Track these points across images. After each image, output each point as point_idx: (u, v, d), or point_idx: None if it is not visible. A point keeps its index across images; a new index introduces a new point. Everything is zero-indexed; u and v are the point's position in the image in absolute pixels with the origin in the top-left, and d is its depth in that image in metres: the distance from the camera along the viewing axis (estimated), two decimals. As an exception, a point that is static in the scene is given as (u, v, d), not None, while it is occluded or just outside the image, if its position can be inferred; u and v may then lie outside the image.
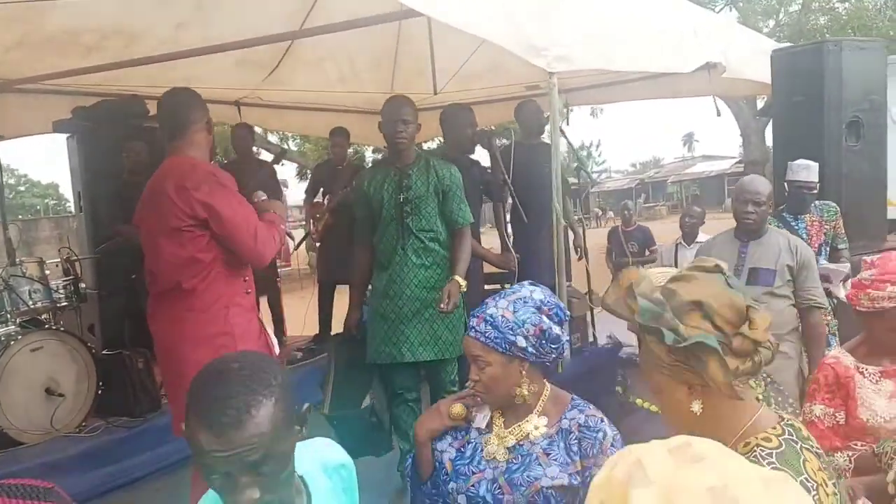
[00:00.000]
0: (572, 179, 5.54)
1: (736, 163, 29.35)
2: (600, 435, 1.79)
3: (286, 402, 1.25)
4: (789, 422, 1.32)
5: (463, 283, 3.50)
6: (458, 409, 1.86)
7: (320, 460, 1.51)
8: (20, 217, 31.40)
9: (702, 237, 6.00)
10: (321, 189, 6.35)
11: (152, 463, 4.03)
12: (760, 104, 12.94)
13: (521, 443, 1.84)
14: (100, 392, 4.15)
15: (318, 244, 6.24)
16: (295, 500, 1.36)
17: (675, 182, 46.00)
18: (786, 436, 1.28)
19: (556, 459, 1.79)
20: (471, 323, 1.81)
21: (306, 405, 1.36)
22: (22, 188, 44.53)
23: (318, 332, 6.22)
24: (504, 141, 4.84)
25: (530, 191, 4.37)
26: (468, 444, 1.89)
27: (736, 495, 0.79)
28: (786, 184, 4.11)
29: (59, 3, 4.39)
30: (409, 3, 2.52)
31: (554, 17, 3.17)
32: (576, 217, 5.25)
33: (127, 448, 4.03)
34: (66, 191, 46.38)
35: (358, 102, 7.50)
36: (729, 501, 0.78)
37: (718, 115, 5.20)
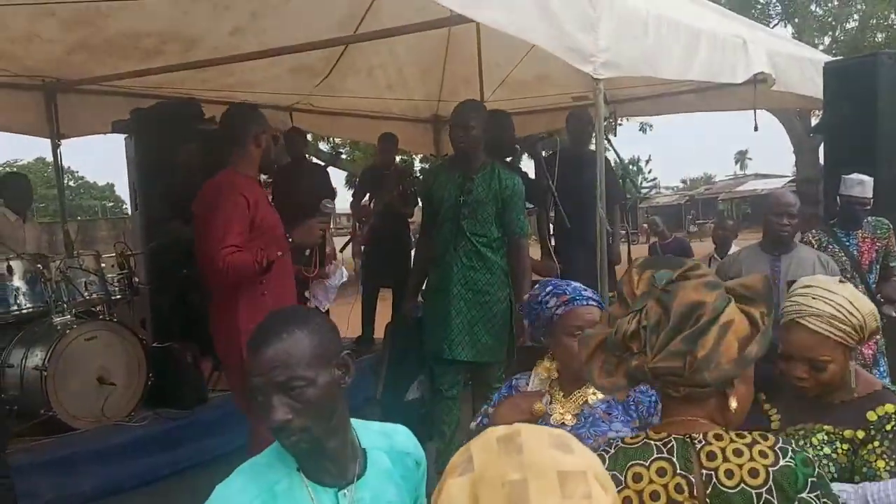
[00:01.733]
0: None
1: (789, 181, 28.77)
2: (654, 398, 1.98)
3: (321, 339, 1.41)
4: None
5: None
6: (540, 405, 2.01)
7: (390, 443, 1.59)
8: (79, 218, 32.44)
9: (734, 250, 5.92)
10: (367, 193, 6.44)
11: (199, 454, 4.11)
12: (815, 121, 12.69)
13: (582, 408, 2.03)
14: (149, 383, 4.27)
15: (363, 247, 6.32)
16: (348, 463, 1.48)
17: (725, 200, 45.21)
18: None
19: (617, 417, 2.00)
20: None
21: (346, 352, 1.48)
22: (81, 190, 45.91)
23: (360, 334, 6.30)
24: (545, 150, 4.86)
25: (574, 199, 4.37)
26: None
27: (527, 491, 0.84)
28: (838, 198, 4.04)
29: (120, 8, 4.56)
30: (457, 8, 2.57)
31: (602, 25, 3.18)
32: (622, 230, 5.23)
33: (174, 438, 4.13)
34: (123, 192, 47.94)
35: (406, 110, 7.61)
36: (518, 497, 0.84)
37: (756, 129, 5.14)
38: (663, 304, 1.21)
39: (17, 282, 4.02)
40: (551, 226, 4.68)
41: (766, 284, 1.27)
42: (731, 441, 1.22)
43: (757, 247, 3.66)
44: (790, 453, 1.22)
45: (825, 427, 1.83)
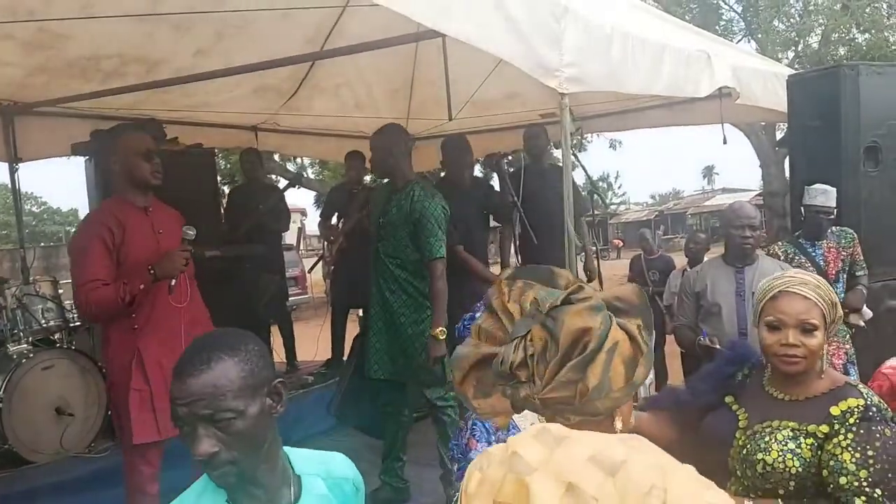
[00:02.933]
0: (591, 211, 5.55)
1: (756, 195, 29.25)
2: None
3: (252, 367, 1.35)
4: None
5: (441, 336, 3.62)
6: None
7: (326, 469, 1.54)
8: (41, 244, 31.86)
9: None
10: (336, 213, 6.37)
11: (161, 485, 3.98)
12: (780, 134, 12.89)
13: None
14: (109, 413, 4.14)
15: (331, 267, 6.24)
16: (281, 489, 1.43)
17: (694, 214, 45.80)
18: None
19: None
20: None
21: (279, 380, 1.42)
22: (44, 216, 45.17)
23: (330, 356, 6.20)
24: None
25: (540, 214, 4.38)
26: None
27: (611, 456, 0.83)
28: (802, 208, 4.06)
29: (81, 30, 4.48)
30: (427, 22, 2.54)
31: (566, 40, 3.17)
32: (591, 245, 5.24)
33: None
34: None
35: (374, 128, 7.52)
36: (610, 464, 0.82)
37: (725, 142, 5.20)
38: (549, 331, 1.15)
39: (-30, 310, 3.89)
40: (516, 242, 4.69)
41: (641, 295, 1.25)
42: None
43: (720, 260, 3.66)
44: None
45: (790, 423, 1.89)
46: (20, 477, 3.77)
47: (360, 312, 6.11)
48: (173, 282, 3.00)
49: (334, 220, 6.35)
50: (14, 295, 4.06)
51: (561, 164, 3.60)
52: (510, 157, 4.64)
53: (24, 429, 3.83)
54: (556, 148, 4.83)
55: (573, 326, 1.14)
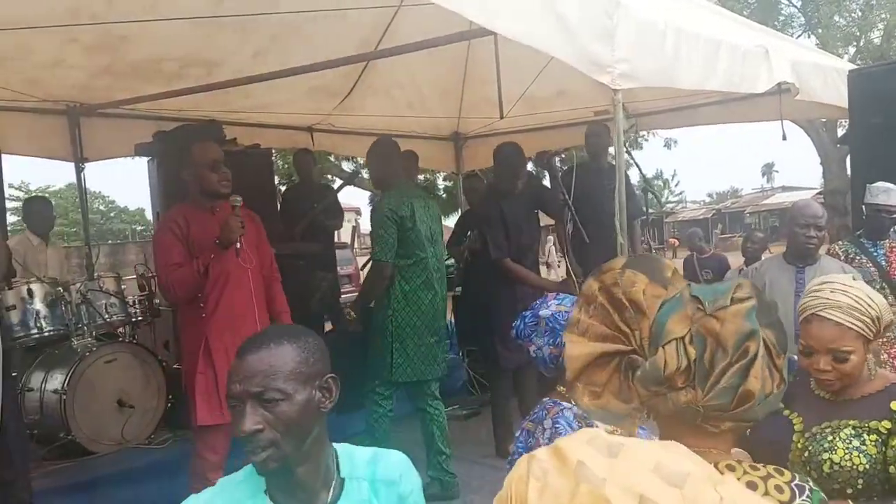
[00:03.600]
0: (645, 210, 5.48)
1: (816, 193, 28.42)
2: None
3: (308, 357, 1.39)
4: None
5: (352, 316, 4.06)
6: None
7: (374, 471, 1.52)
8: (109, 241, 32.93)
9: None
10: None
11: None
12: (841, 131, 12.50)
13: None
14: (169, 405, 4.26)
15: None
16: (318, 491, 1.43)
17: (752, 213, 44.71)
18: None
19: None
20: None
21: (331, 375, 1.44)
22: (112, 214, 46.60)
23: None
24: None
25: (594, 213, 4.33)
26: None
27: (672, 467, 0.81)
28: (864, 207, 3.93)
29: (143, 33, 4.61)
30: (475, 19, 2.55)
31: (619, 35, 3.13)
32: (644, 245, 5.17)
33: (193, 460, 4.10)
34: (153, 217, 48.62)
35: (426, 128, 7.62)
36: (675, 476, 0.80)
37: (784, 138, 5.05)
38: (714, 333, 1.07)
39: (38, 305, 4.04)
40: (567, 241, 4.66)
41: (758, 290, 1.16)
42: (745, 472, 1.12)
43: (781, 258, 3.57)
44: (807, 492, 1.11)
45: (850, 422, 1.85)
46: (82, 467, 3.91)
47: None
48: (238, 245, 3.20)
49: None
50: (79, 290, 4.20)
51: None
52: (563, 156, 4.60)
53: (87, 420, 3.97)
54: (611, 145, 4.76)
55: (741, 329, 1.07)
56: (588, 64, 3.06)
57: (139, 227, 46.66)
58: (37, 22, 4.16)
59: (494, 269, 4.29)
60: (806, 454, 1.87)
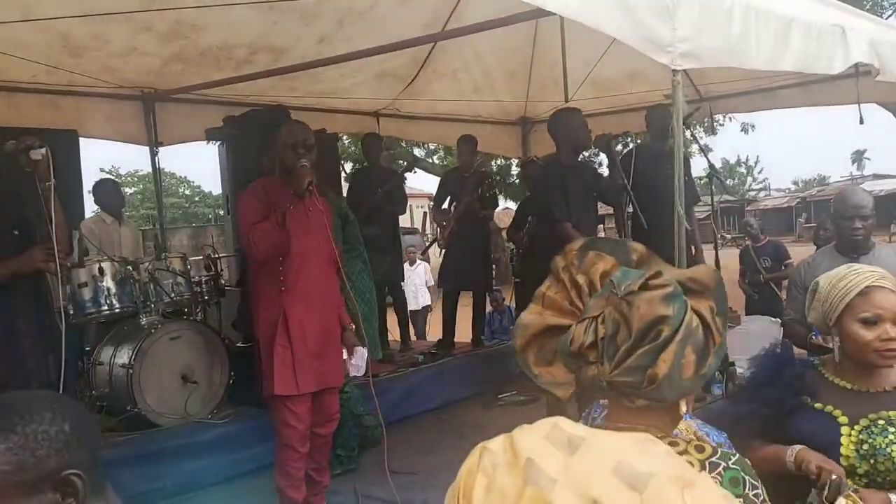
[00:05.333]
0: (727, 196, 5.30)
1: (912, 181, 26.94)
2: None
3: (27, 457, 1.08)
4: None
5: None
6: None
7: None
8: (192, 224, 34.14)
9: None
10: (448, 197, 6.41)
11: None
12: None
13: None
14: (231, 382, 4.38)
15: (442, 251, 6.31)
16: None
17: (840, 201, 42.67)
18: None
19: None
20: None
21: (73, 471, 1.12)
22: (196, 199, 48.24)
23: (441, 337, 6.28)
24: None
25: (653, 198, 4.20)
26: None
27: (636, 468, 0.79)
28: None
29: (213, 21, 4.73)
30: (532, -1, 2.49)
31: (680, 13, 3.02)
32: (728, 236, 5.01)
33: (254, 436, 4.21)
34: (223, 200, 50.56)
35: (493, 112, 7.56)
36: (636, 478, 0.79)
37: (861, 122, 4.77)
38: (624, 316, 1.12)
39: (108, 282, 4.21)
40: (626, 226, 4.52)
41: (715, 277, 1.20)
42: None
43: (833, 250, 3.39)
44: (720, 469, 1.18)
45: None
46: (147, 440, 4.05)
47: (473, 298, 6.18)
48: (310, 188, 3.25)
49: (446, 204, 6.39)
50: (147, 270, 4.36)
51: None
52: (621, 139, 4.47)
53: (152, 394, 4.12)
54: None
55: (649, 314, 1.11)
56: (647, 43, 2.96)
57: (221, 212, 48.18)
58: (112, 10, 4.30)
59: (553, 252, 4.15)
60: (864, 447, 1.86)
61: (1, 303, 2.77)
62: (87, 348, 4.38)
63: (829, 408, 1.95)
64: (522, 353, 1.23)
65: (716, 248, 4.17)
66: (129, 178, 39.55)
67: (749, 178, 59.74)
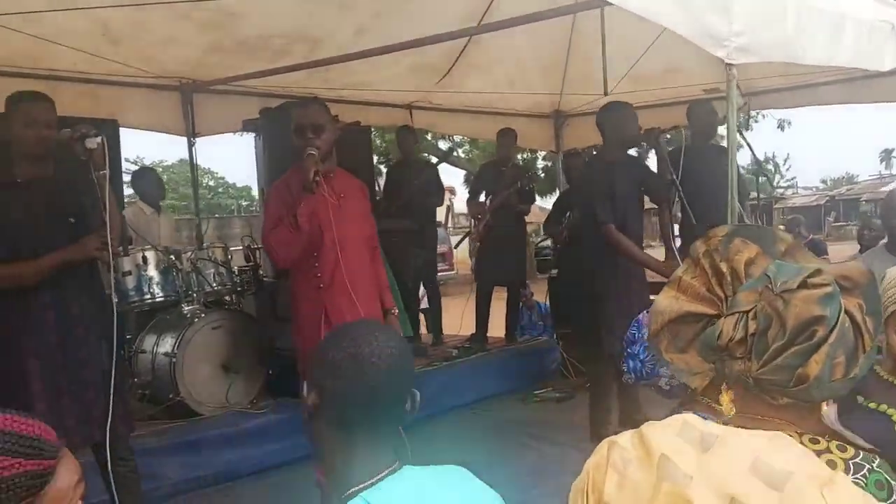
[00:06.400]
0: (754, 194, 5.23)
1: (944, 181, 26.51)
2: None
3: None
4: None
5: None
6: None
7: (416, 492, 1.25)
8: (216, 215, 34.38)
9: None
10: (484, 190, 6.39)
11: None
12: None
13: None
14: (270, 372, 4.40)
15: (478, 244, 6.28)
16: None
17: (869, 201, 42.14)
18: None
19: None
20: None
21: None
22: (220, 190, 48.55)
23: (474, 331, 6.26)
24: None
25: (699, 195, 4.15)
26: None
27: (773, 466, 0.77)
28: None
29: (251, 10, 4.72)
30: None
31: (736, 7, 2.97)
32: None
33: (293, 427, 4.22)
34: (258, 193, 50.89)
35: (527, 105, 7.50)
36: (774, 476, 0.77)
37: None
38: (778, 313, 1.08)
39: (152, 272, 4.24)
40: (675, 225, 4.45)
41: (868, 276, 1.15)
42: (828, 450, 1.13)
43: (883, 249, 3.33)
44: (865, 471, 1.12)
45: None
46: (188, 428, 4.09)
47: (508, 293, 6.14)
48: (317, 178, 3.09)
49: (482, 197, 6.37)
50: (189, 259, 4.38)
51: (724, 144, 3.40)
52: (669, 136, 4.39)
53: (194, 382, 4.15)
54: (721, 125, 4.54)
55: (805, 313, 1.07)
56: (703, 37, 2.92)
57: (245, 203, 48.51)
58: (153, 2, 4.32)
59: (597, 248, 4.10)
60: None
61: (55, 291, 2.78)
62: (129, 336, 4.42)
63: (884, 406, 1.90)
64: (655, 338, 1.21)
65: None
66: (155, 168, 39.88)
67: (777, 176, 59.04)
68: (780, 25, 3.23)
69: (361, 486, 1.22)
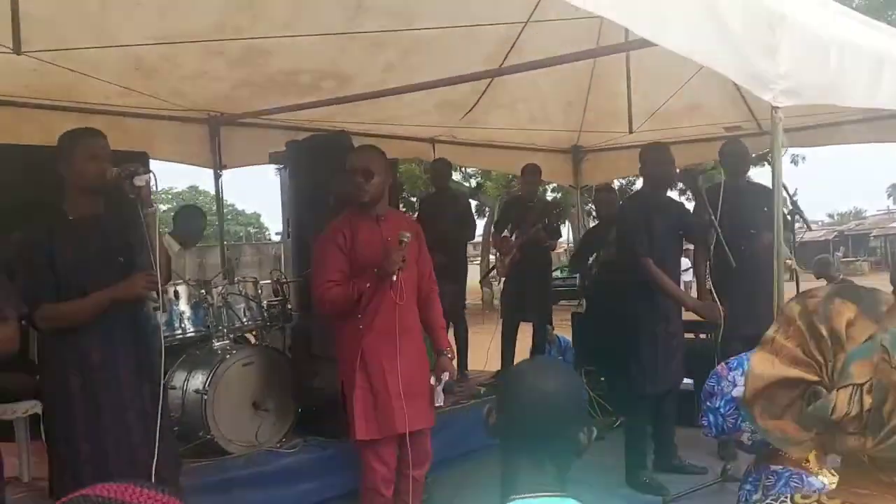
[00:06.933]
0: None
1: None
2: None
3: None
4: None
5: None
6: None
7: None
8: (224, 242, 34.44)
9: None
10: (509, 224, 6.37)
11: (345, 484, 4.08)
12: None
13: None
14: (300, 410, 4.34)
15: (502, 280, 6.25)
16: None
17: (878, 236, 42.05)
18: None
19: None
20: None
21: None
22: (229, 217, 48.91)
23: (500, 368, 6.20)
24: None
25: (735, 235, 4.13)
26: None
27: None
28: None
29: (282, 47, 4.75)
30: (646, 34, 2.48)
31: (782, 50, 2.97)
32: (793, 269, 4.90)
33: (323, 468, 4.17)
34: (267, 220, 52.16)
35: (546, 141, 7.53)
36: None
37: None
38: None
39: (183, 306, 4.21)
40: (710, 264, 4.41)
41: None
42: None
43: None
44: None
45: None
46: (217, 466, 4.02)
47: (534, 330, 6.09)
48: (394, 278, 3.18)
49: (506, 231, 6.35)
50: (220, 294, 4.35)
51: (757, 182, 3.39)
52: (704, 171, 4.40)
53: (224, 420, 4.08)
54: (754, 164, 4.53)
55: None
56: (750, 79, 2.93)
57: (253, 230, 48.78)
58: (186, 37, 4.35)
59: (634, 287, 4.08)
60: None
61: (102, 330, 2.75)
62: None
63: None
64: (749, 404, 1.15)
65: (797, 283, 4.07)
66: (164, 195, 40.15)
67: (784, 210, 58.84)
68: (824, 67, 3.24)
69: (519, 497, 1.40)
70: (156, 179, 2.71)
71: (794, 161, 17.73)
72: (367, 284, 3.19)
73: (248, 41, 4.63)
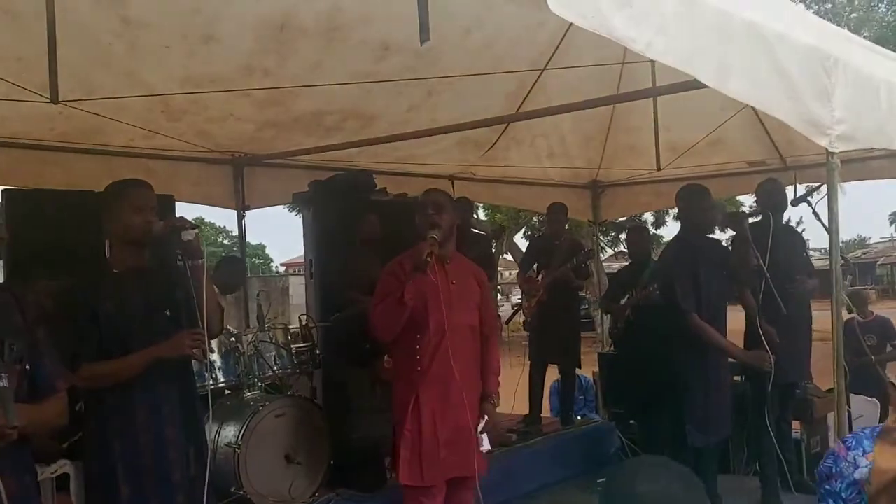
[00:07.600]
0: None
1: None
2: None
3: None
4: None
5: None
6: None
7: None
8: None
9: None
10: (536, 263, 6.28)
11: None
12: None
13: None
14: (332, 462, 4.21)
15: (529, 320, 6.14)
16: None
17: (884, 264, 41.96)
18: None
19: None
20: None
21: None
22: (234, 249, 48.84)
23: (528, 412, 6.06)
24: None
25: (781, 279, 4.03)
26: None
27: None
28: None
29: (309, 88, 4.71)
30: (710, 82, 2.43)
31: (837, 95, 2.93)
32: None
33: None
34: (272, 252, 52.89)
35: (565, 176, 7.48)
36: None
37: None
38: None
39: (215, 356, 4.09)
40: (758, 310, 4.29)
41: None
42: None
43: None
44: None
45: None
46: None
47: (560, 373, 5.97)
48: (429, 259, 3.09)
49: (532, 272, 6.26)
50: (251, 342, 4.24)
51: (792, 225, 3.32)
52: (751, 213, 4.30)
53: (257, 475, 3.92)
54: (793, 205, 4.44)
55: None
56: (807, 125, 2.89)
57: (258, 261, 48.90)
58: (214, 79, 4.30)
59: (681, 336, 3.96)
60: None
61: (147, 388, 2.64)
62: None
63: None
64: (874, 499, 1.14)
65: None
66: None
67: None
68: (876, 111, 3.21)
69: None
70: (201, 233, 2.63)
71: (810, 194, 17.65)
72: (409, 280, 3.13)
73: (276, 82, 4.58)
